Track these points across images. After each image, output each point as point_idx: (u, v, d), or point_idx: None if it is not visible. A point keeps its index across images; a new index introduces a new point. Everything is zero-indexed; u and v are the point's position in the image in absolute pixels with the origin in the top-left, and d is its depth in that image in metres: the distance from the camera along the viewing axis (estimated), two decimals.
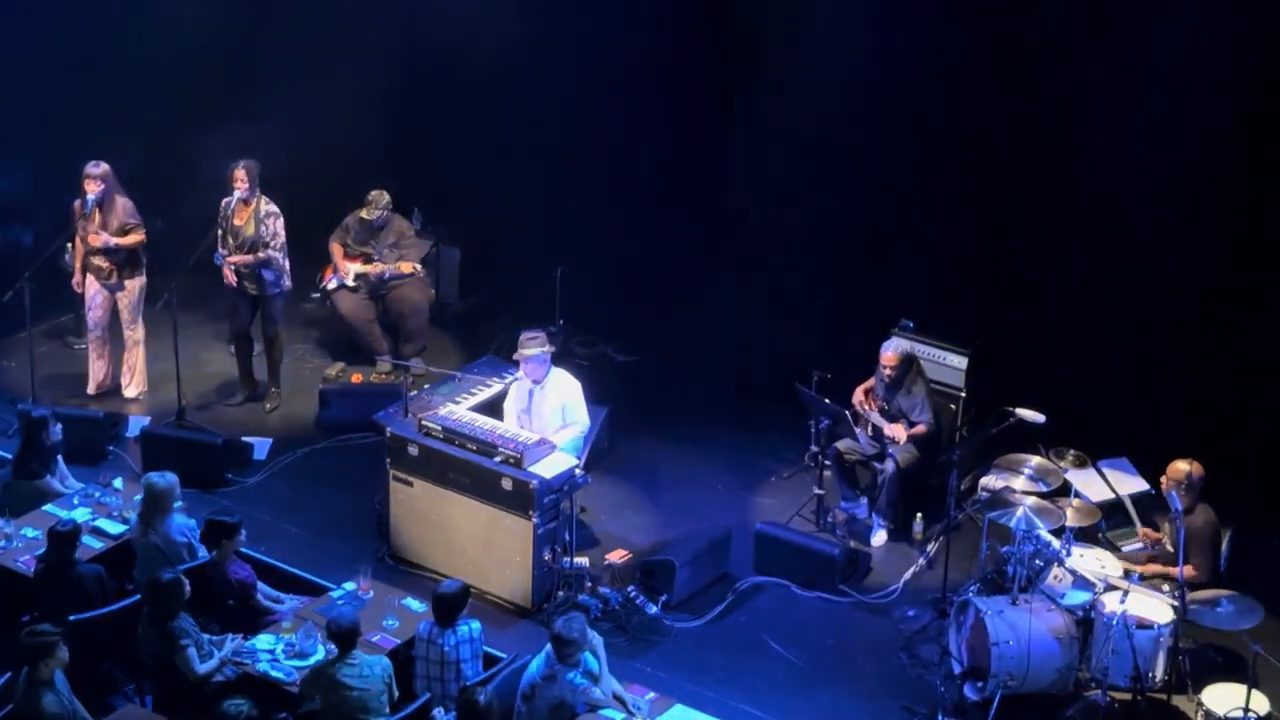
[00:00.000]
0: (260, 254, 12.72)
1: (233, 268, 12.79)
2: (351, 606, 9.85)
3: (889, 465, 11.61)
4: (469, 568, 10.95)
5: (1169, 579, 10.23)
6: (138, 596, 9.77)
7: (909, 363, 11.66)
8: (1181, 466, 10.30)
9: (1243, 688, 9.37)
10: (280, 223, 12.80)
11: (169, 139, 14.78)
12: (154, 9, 14.58)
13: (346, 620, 9.16)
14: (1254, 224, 11.79)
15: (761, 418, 13.02)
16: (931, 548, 11.58)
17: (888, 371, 11.61)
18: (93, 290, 12.96)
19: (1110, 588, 10.07)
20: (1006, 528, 10.35)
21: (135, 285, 13.03)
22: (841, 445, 11.80)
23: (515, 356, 11.38)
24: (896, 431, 11.54)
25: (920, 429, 11.56)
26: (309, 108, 14.68)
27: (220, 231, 12.83)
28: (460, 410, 11.37)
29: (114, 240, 12.75)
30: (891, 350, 11.63)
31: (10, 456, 11.52)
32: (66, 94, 14.42)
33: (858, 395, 11.87)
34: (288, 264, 12.95)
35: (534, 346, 11.25)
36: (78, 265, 12.99)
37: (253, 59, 14.74)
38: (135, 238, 12.87)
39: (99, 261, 12.85)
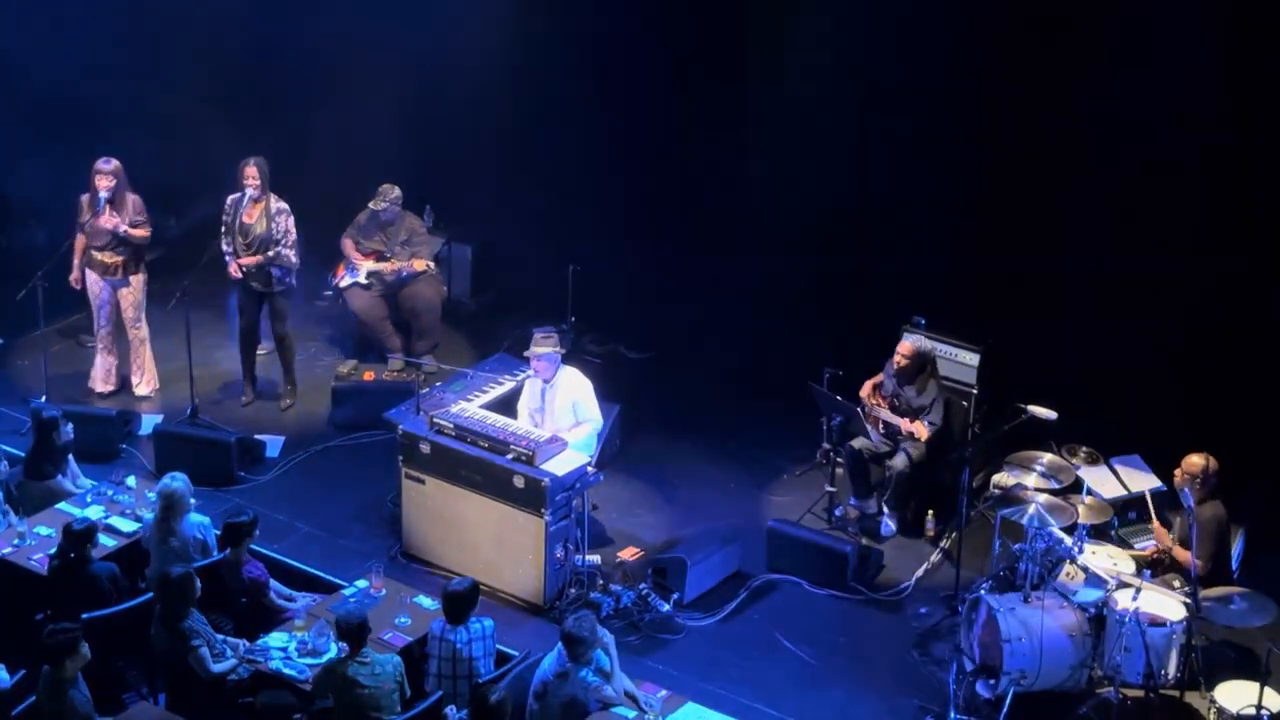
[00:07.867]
0: (271, 252, 12.71)
1: (241, 266, 12.77)
2: (363, 604, 9.87)
3: (899, 460, 11.60)
4: (481, 565, 10.95)
5: (1178, 570, 10.25)
6: (150, 595, 9.79)
7: (923, 360, 11.64)
8: (1197, 460, 10.25)
9: (1256, 685, 9.35)
10: (291, 220, 12.80)
11: (183, 137, 14.80)
12: (170, 7, 14.60)
13: (355, 618, 9.16)
14: (1274, 217, 11.75)
15: (773, 415, 12.99)
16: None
17: (902, 362, 11.59)
18: (98, 288, 12.96)
19: (1123, 585, 10.05)
20: (1019, 525, 10.32)
21: (139, 281, 13.01)
22: (856, 442, 11.80)
23: (526, 354, 11.40)
24: (917, 428, 11.51)
25: (926, 430, 11.55)
26: (323, 107, 14.71)
27: (223, 228, 12.80)
28: (472, 408, 11.38)
29: (124, 227, 12.71)
30: (910, 342, 11.62)
31: (23, 456, 11.56)
32: (80, 91, 14.43)
33: (865, 390, 11.85)
34: (299, 261, 12.95)
35: (545, 345, 11.26)
36: (76, 261, 12.91)
37: (267, 59, 14.74)
38: (142, 233, 12.87)
39: (105, 258, 12.82)
